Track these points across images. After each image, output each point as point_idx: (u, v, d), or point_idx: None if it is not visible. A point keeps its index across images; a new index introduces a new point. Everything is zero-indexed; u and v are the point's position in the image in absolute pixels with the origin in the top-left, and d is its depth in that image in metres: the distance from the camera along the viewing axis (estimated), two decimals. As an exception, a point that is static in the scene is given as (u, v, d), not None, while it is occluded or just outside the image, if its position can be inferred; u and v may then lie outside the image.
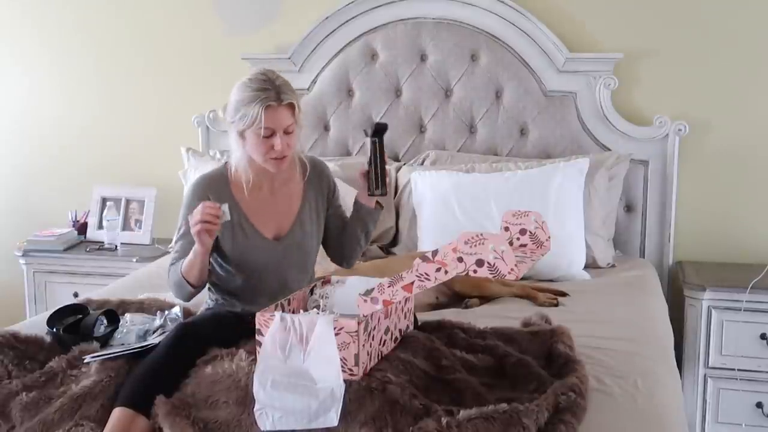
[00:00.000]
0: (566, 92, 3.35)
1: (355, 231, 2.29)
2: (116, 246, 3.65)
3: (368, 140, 2.12)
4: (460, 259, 1.68)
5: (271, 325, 1.77)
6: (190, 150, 3.60)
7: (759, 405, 2.97)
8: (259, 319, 1.81)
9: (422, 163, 3.40)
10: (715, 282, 3.01)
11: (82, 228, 3.84)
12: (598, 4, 3.35)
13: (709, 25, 3.26)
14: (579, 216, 3.06)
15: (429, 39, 3.44)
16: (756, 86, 3.25)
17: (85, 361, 1.97)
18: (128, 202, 3.82)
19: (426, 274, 1.73)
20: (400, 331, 1.99)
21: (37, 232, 3.74)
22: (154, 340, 2.06)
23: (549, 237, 1.88)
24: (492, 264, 1.66)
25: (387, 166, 2.19)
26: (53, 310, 2.31)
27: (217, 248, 2.14)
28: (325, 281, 2.15)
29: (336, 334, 1.74)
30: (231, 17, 3.72)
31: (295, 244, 2.19)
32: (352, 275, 2.26)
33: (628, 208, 3.36)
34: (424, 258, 1.73)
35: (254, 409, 1.69)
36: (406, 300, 2.01)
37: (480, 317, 2.38)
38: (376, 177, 2.12)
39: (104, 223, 3.73)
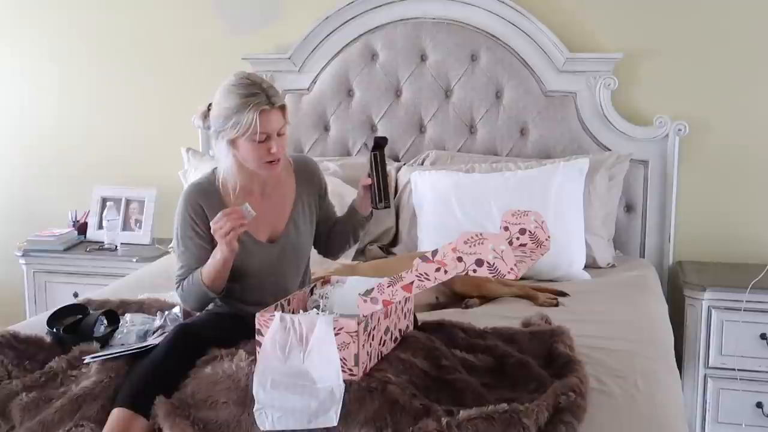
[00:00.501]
0: (566, 92, 3.35)
1: (345, 231, 2.29)
2: (116, 246, 3.65)
3: (369, 154, 2.13)
4: (460, 259, 1.68)
5: (270, 326, 1.78)
6: (190, 150, 3.60)
7: (759, 405, 2.97)
8: (259, 319, 1.81)
9: (422, 163, 3.40)
10: (715, 282, 3.01)
11: (82, 228, 3.85)
12: (598, 4, 3.35)
13: (709, 25, 3.26)
14: (579, 216, 3.06)
15: (429, 39, 3.44)
16: (756, 86, 3.25)
17: (85, 361, 1.97)
18: (128, 202, 3.82)
19: (426, 274, 1.72)
20: (400, 331, 1.99)
21: (37, 232, 3.74)
22: (154, 340, 2.05)
23: (548, 237, 1.88)
24: (492, 263, 1.66)
25: (390, 180, 2.18)
26: (53, 311, 2.31)
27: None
28: (325, 281, 2.14)
29: (336, 334, 1.74)
30: (231, 17, 3.72)
31: (290, 244, 2.18)
32: (352, 275, 2.26)
33: (628, 208, 3.35)
34: (423, 258, 1.72)
35: (254, 409, 1.69)
36: (406, 300, 2.01)
37: (480, 317, 2.37)
38: (379, 190, 2.13)
39: (104, 223, 3.73)
